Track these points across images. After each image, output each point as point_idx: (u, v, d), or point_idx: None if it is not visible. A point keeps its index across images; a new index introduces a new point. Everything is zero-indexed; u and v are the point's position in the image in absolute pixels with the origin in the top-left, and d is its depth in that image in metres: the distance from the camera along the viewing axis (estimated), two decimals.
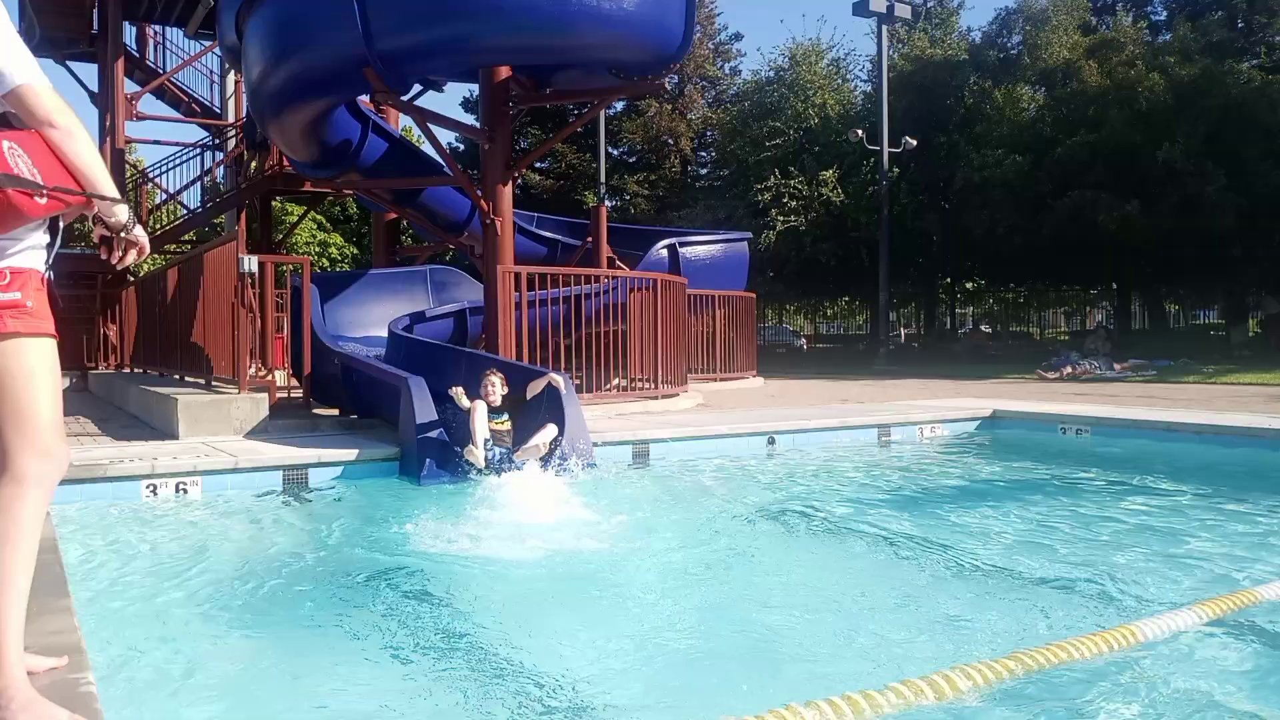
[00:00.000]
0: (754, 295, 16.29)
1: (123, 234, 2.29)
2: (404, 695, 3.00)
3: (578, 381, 9.33)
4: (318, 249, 34.86)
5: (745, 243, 15.55)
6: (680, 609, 3.95)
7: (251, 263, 8.02)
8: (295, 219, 27.80)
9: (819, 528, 5.53)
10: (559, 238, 14.00)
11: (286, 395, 9.02)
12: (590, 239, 12.79)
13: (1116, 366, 18.47)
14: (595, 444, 7.30)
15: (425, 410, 6.79)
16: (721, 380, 14.93)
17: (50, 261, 2.24)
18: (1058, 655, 2.95)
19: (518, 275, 9.63)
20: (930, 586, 4.26)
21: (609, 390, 10.53)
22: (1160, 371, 18.42)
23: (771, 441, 8.59)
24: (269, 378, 8.65)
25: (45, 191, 2.10)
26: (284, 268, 11.66)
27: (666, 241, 13.83)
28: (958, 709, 2.69)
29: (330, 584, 4.33)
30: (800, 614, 3.85)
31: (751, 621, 3.74)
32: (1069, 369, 18.32)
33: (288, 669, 3.28)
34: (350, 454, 6.75)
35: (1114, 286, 32.92)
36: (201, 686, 3.03)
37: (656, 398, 10.79)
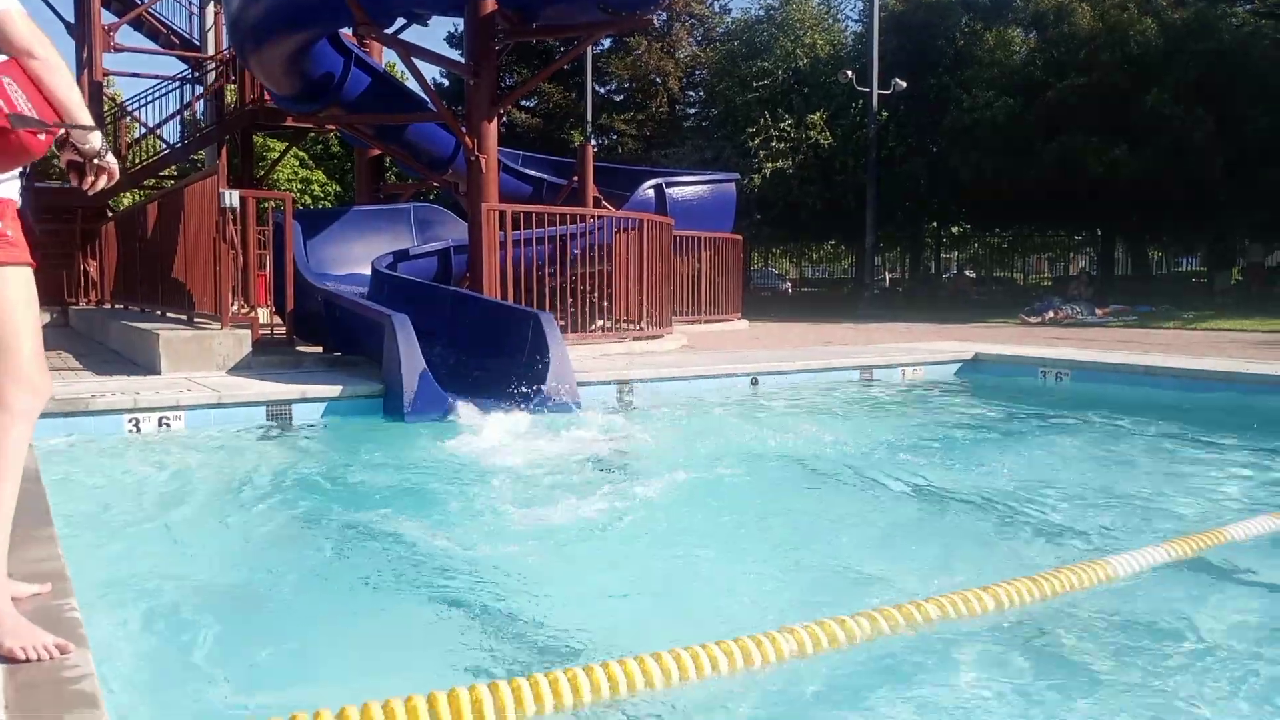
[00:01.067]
0: (740, 238, 16.22)
1: (95, 160, 2.28)
2: (384, 628, 3.04)
3: (562, 322, 9.33)
4: (300, 186, 34.42)
5: (733, 184, 15.44)
6: (658, 544, 4.00)
7: (233, 197, 7.93)
8: (277, 155, 27.40)
9: (799, 467, 5.59)
10: (544, 177, 13.87)
11: (269, 332, 8.99)
12: (576, 178, 12.67)
13: (1098, 311, 18.58)
14: (579, 384, 7.33)
15: (409, 347, 6.78)
16: (706, 322, 14.94)
17: (22, 190, 2.23)
18: (1030, 590, 3.01)
19: (502, 213, 9.55)
20: (906, 523, 4.33)
21: (594, 331, 10.53)
22: (1141, 317, 18.54)
23: (755, 382, 8.64)
24: (252, 314, 8.60)
25: (50, 129, 2.11)
26: (265, 204, 11.52)
27: (653, 181, 13.71)
28: (928, 640, 2.76)
29: (315, 519, 4.36)
30: (777, 547, 3.91)
31: (728, 555, 3.80)
32: (1051, 314, 18.41)
33: (269, 602, 3.31)
34: (334, 390, 6.75)
35: (1099, 232, 32.97)
36: (183, 616, 3.06)
37: (641, 339, 10.81)
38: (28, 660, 2.04)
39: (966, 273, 45.51)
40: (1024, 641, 2.85)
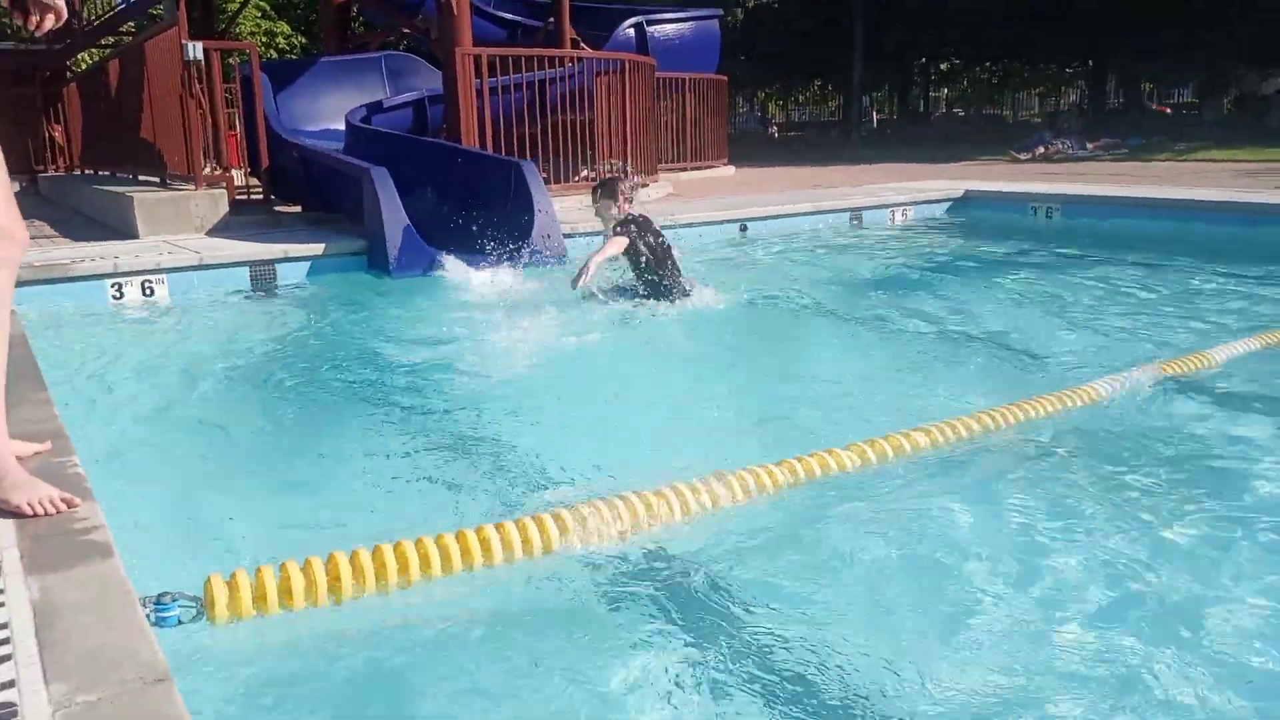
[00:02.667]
0: (725, 78, 15.73)
1: None
2: (385, 482, 3.07)
3: (545, 173, 9.13)
4: (264, 39, 33.00)
5: (716, 20, 14.84)
6: (650, 388, 4.03)
7: (196, 50, 7.60)
8: (237, 6, 26.16)
9: (791, 310, 5.60)
10: (518, 19, 13.28)
11: (246, 195, 8.80)
12: (552, 20, 12.15)
13: (1089, 145, 18.29)
14: (565, 235, 7.24)
15: (390, 201, 6.64)
16: (692, 169, 14.65)
17: None
18: (1017, 414, 3.06)
19: (477, 59, 9.20)
20: (898, 358, 4.37)
21: (578, 181, 10.33)
22: (1131, 150, 18.28)
23: (744, 229, 8.55)
24: (226, 174, 8.39)
25: None
26: (230, 58, 11.08)
27: (633, 20, 13.15)
28: (922, 464, 2.82)
29: (309, 376, 4.36)
30: (770, 389, 3.95)
31: (722, 397, 3.84)
32: (1041, 149, 18.12)
33: (269, 460, 3.34)
34: (317, 248, 6.65)
35: (1090, 64, 32.11)
36: (182, 477, 3.09)
37: None
38: (36, 515, 2.06)
39: (956, 111, 44.58)
40: (1012, 465, 2.91)
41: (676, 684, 1.90)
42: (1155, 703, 1.82)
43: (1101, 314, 5.14)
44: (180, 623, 1.94)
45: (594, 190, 5.71)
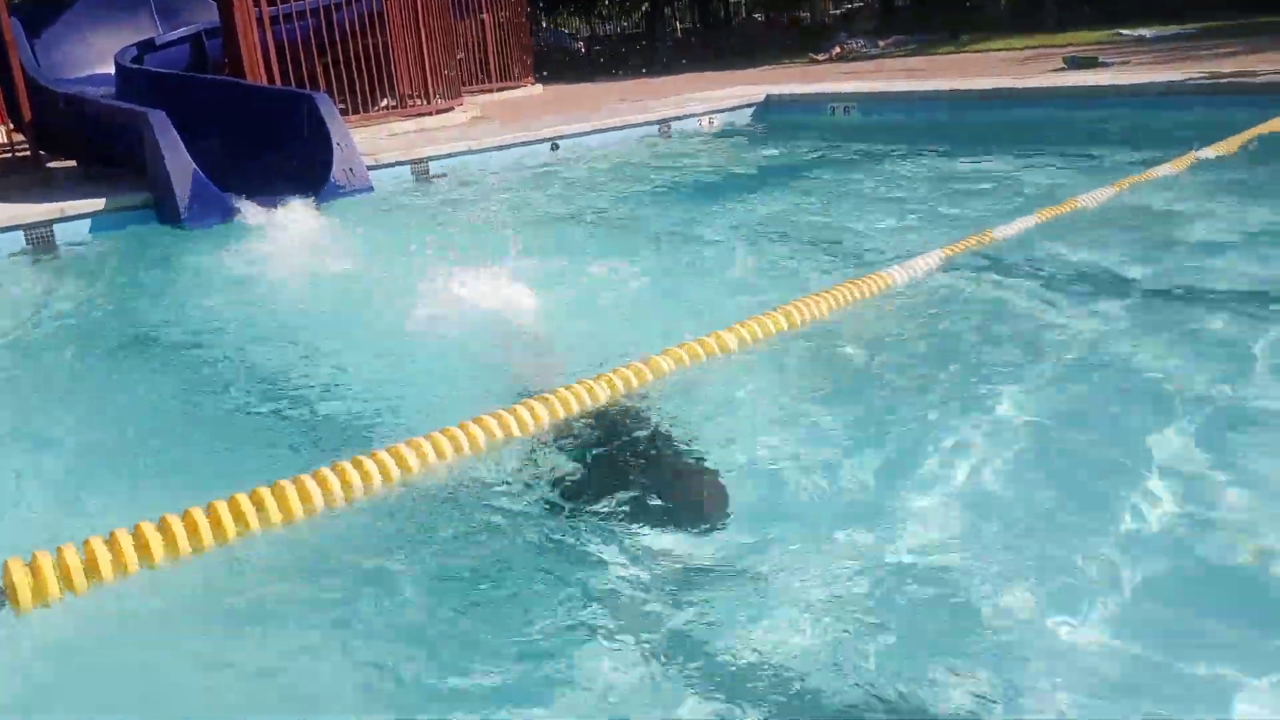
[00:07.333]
0: None
1: None
2: (192, 443, 2.95)
3: (342, 105, 8.73)
4: None
5: None
6: (454, 315, 3.93)
7: None
8: None
9: (605, 226, 5.64)
10: None
11: (10, 153, 8.03)
12: None
13: (880, 43, 18.96)
14: (370, 167, 6.98)
15: (173, 146, 6.20)
16: (498, 91, 14.34)
17: None
18: (821, 306, 3.21)
19: None
20: (708, 260, 4.49)
21: (379, 111, 9.94)
22: (919, 44, 19.06)
23: (555, 147, 8.47)
24: None
25: None
26: None
27: None
28: (732, 365, 2.93)
29: (96, 342, 4.10)
30: (584, 300, 3.95)
31: (534, 313, 3.82)
32: (837, 49, 18.66)
33: (62, 432, 3.13)
34: (97, 204, 6.18)
35: None
36: None
37: (430, 114, 10.29)
38: None
39: (755, 16, 45.06)
40: (819, 353, 3.07)
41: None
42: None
43: (897, 204, 5.42)
44: None
45: None
